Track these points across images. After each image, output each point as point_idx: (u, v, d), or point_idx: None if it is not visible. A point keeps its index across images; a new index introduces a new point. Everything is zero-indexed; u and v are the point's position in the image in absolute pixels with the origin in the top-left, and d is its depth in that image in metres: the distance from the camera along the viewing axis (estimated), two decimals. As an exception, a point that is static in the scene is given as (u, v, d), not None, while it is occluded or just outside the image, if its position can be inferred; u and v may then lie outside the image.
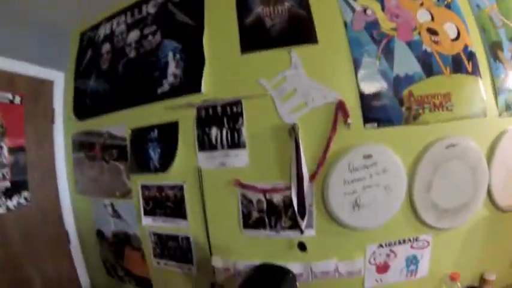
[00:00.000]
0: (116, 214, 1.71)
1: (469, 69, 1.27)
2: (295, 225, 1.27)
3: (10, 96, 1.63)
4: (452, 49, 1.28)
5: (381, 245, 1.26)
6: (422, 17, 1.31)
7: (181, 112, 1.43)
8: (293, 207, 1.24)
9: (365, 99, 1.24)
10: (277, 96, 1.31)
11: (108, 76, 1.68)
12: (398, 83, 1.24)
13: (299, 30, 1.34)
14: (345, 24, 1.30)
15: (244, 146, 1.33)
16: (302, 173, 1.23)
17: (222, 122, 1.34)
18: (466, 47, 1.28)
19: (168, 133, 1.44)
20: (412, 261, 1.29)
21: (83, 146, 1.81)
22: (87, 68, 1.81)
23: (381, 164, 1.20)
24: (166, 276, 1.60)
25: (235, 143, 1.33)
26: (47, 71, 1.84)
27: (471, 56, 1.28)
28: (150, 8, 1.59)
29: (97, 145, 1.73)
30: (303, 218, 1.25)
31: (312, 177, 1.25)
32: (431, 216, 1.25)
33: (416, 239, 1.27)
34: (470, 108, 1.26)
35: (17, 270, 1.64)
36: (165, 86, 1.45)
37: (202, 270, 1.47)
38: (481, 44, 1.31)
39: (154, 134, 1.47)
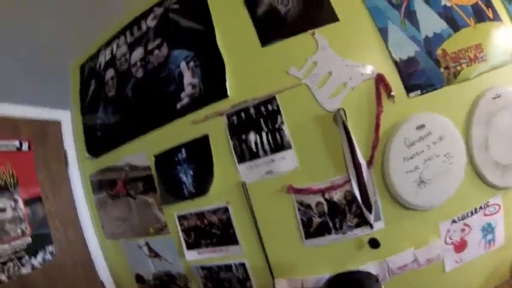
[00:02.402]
0: (154, 253, 1.37)
1: (490, 16, 1.09)
2: (363, 222, 1.00)
3: (17, 143, 1.33)
4: (469, -1, 1.20)
5: (454, 221, 1.02)
6: None
7: (209, 124, 1.13)
8: (357, 201, 0.98)
9: (402, 68, 1.03)
10: (312, 84, 1.04)
11: (117, 103, 1.38)
12: (430, 44, 1.05)
13: (316, 11, 1.09)
14: None
15: (289, 147, 1.04)
16: (359, 161, 0.97)
17: (259, 125, 1.06)
18: (481, -6, 1.17)
19: (199, 150, 1.14)
20: (488, 229, 1.06)
21: (103, 185, 1.50)
22: (92, 100, 1.51)
23: (435, 132, 0.99)
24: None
25: (279, 145, 1.05)
26: (52, 111, 1.53)
27: (488, 2, 1.11)
28: (150, 22, 1.32)
29: (119, 181, 1.41)
30: (370, 210, 0.99)
31: (370, 162, 0.99)
32: (496, 176, 1.02)
33: (487, 205, 1.03)
34: (503, 55, 1.05)
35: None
36: (185, 99, 1.16)
37: (266, 298, 1.25)
38: (494, -11, 1.18)
39: (182, 154, 1.16)
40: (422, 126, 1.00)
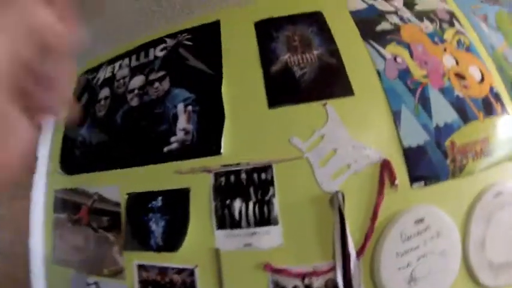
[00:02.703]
0: None
1: (498, 110, 1.07)
2: None
3: None
4: (480, 92, 1.07)
5: None
6: (448, 62, 1.08)
7: (193, 178, 0.98)
8: None
9: (409, 156, 0.94)
10: (314, 159, 0.92)
11: (104, 126, 1.20)
12: (440, 134, 0.97)
13: (332, 81, 0.99)
14: (378, 73, 0.99)
15: (276, 222, 0.90)
16: (348, 250, 0.85)
17: (247, 193, 0.92)
18: (491, 88, 1.07)
19: (176, 203, 0.98)
20: None
21: (67, 205, 1.26)
22: (80, 113, 1.32)
23: (434, 227, 0.90)
24: None
25: (265, 219, 0.90)
26: None
27: (497, 96, 1.08)
28: (158, 52, 1.17)
29: (83, 207, 1.19)
30: None
31: (359, 252, 0.87)
32: (489, 277, 0.95)
33: None
34: (508, 150, 1.01)
35: None
36: (174, 144, 1.00)
37: None
38: (502, 83, 1.09)
39: (158, 202, 0.99)
40: (421, 220, 0.90)
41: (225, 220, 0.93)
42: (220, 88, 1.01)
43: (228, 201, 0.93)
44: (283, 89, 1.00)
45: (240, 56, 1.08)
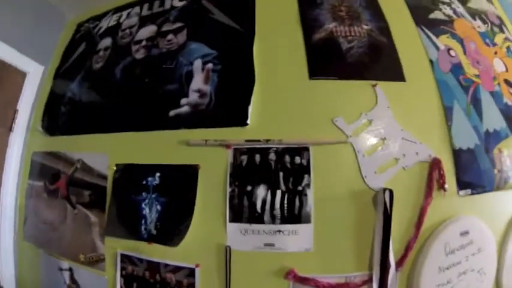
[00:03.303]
0: (76, 286, 0.77)
1: None
2: None
3: None
4: (527, 102, 0.79)
5: None
6: (499, 67, 0.83)
7: (205, 152, 0.62)
8: None
9: (460, 159, 0.67)
10: (359, 147, 0.61)
11: (100, 80, 0.81)
12: (489, 140, 0.72)
13: (383, 62, 0.69)
14: (431, 62, 0.72)
15: (307, 220, 0.58)
16: (388, 260, 0.57)
17: (276, 179, 0.59)
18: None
19: (179, 182, 0.62)
20: None
21: (44, 172, 0.86)
22: (73, 66, 0.91)
23: (476, 242, 0.65)
24: None
25: (295, 215, 0.58)
26: (23, 57, 0.90)
27: None
28: (177, 2, 0.80)
29: (62, 176, 0.80)
30: None
31: (399, 264, 0.59)
32: None
33: None
34: None
35: None
36: (184, 108, 0.65)
37: None
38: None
39: (155, 179, 0.64)
40: (466, 233, 0.64)
41: (243, 211, 0.58)
42: (252, 47, 0.66)
43: (249, 187, 0.58)
44: (326, 60, 0.67)
45: (277, 16, 0.72)
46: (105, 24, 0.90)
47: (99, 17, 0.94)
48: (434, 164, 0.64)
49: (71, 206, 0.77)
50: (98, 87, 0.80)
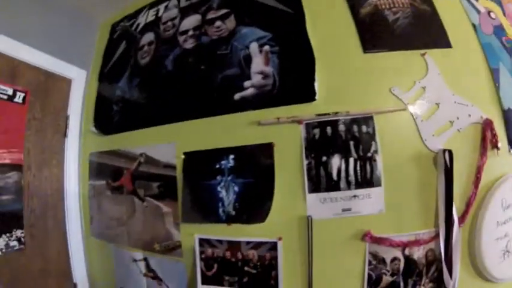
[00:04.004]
0: (152, 274, 0.82)
1: None
2: None
3: (10, 90, 0.77)
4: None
5: None
6: None
7: (277, 130, 0.65)
8: (438, 263, 0.63)
9: (510, 119, 0.70)
10: (417, 112, 0.65)
11: (149, 74, 0.83)
12: None
13: (428, 30, 0.71)
14: (474, 26, 0.74)
15: (378, 183, 0.62)
16: (452, 217, 0.62)
17: (348, 148, 0.62)
18: None
19: (255, 162, 0.65)
20: None
21: (104, 170, 0.90)
22: (117, 65, 0.93)
23: None
24: None
25: (367, 179, 0.62)
26: (64, 64, 0.92)
27: None
28: None
29: (126, 172, 0.84)
30: (451, 275, 0.62)
31: (462, 220, 0.64)
32: None
33: None
34: None
35: None
36: (249, 90, 0.68)
37: None
38: None
39: (229, 162, 0.67)
40: None
41: (320, 181, 0.62)
42: (305, 27, 0.68)
43: (324, 158, 0.62)
44: (377, 33, 0.69)
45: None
46: (142, 20, 0.91)
47: (134, 15, 0.95)
48: (487, 125, 0.68)
49: (139, 199, 0.81)
50: (150, 80, 0.82)
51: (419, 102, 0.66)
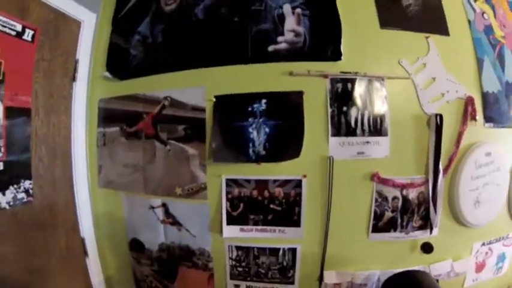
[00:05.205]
0: (172, 220, 0.84)
1: None
2: (424, 225, 0.83)
3: (19, 26, 0.70)
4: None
5: (483, 243, 0.95)
6: None
7: (306, 82, 0.76)
8: (426, 204, 0.82)
9: (487, 99, 0.94)
10: (418, 83, 0.83)
11: (178, 21, 0.84)
12: (509, 88, 0.99)
13: (434, 18, 0.90)
14: (469, 22, 0.95)
15: (386, 134, 0.78)
16: (439, 167, 0.81)
17: (364, 102, 0.77)
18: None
19: (286, 106, 0.75)
20: (501, 258, 1.01)
21: (118, 117, 0.88)
22: (133, 11, 0.91)
23: (496, 162, 0.92)
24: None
25: (377, 129, 0.77)
26: (75, 5, 0.86)
27: None
28: None
29: (146, 117, 0.83)
30: (436, 214, 0.83)
31: (445, 171, 0.84)
32: None
33: (508, 237, 0.99)
34: None
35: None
36: (282, 44, 0.76)
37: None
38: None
39: (261, 105, 0.74)
40: (489, 154, 0.91)
41: (341, 127, 0.74)
42: None
43: (344, 108, 0.74)
44: (392, 13, 0.84)
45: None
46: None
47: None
48: (469, 101, 0.87)
49: (161, 143, 0.82)
50: (178, 27, 0.83)
51: (420, 74, 0.83)
